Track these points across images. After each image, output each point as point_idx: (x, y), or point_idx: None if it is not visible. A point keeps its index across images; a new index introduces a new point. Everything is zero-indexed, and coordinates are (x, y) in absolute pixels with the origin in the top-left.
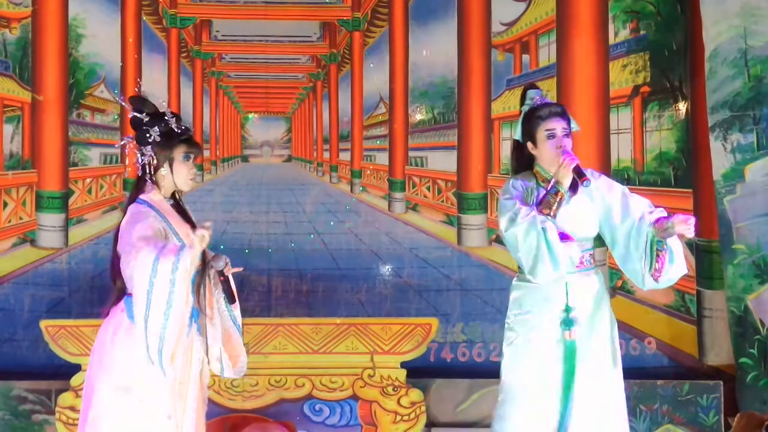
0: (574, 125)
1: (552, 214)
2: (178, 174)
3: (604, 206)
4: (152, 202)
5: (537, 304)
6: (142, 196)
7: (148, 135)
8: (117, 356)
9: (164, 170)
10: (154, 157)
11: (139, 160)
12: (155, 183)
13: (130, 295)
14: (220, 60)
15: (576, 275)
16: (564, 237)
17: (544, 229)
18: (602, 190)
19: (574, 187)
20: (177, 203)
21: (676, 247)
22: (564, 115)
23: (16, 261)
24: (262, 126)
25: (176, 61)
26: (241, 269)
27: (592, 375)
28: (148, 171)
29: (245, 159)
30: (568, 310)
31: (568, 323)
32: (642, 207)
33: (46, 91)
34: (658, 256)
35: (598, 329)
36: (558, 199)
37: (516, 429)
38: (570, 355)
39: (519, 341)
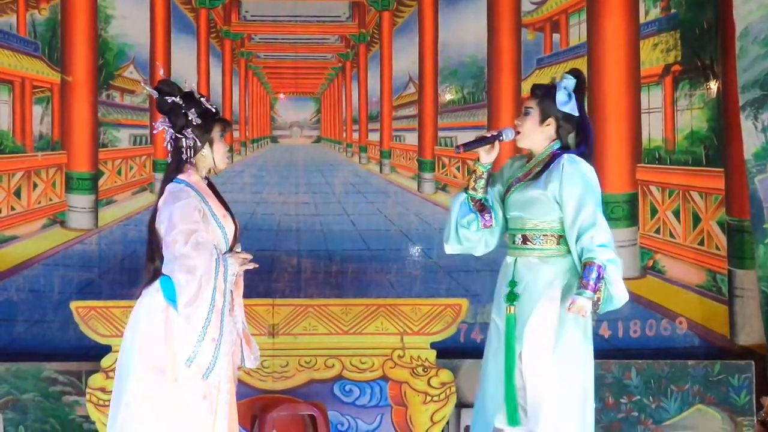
0: (564, 107)
1: (470, 188)
2: (217, 153)
3: (558, 200)
4: (192, 183)
5: (499, 282)
6: (180, 176)
7: (188, 118)
8: (152, 337)
9: (205, 151)
10: (196, 139)
11: (173, 143)
12: (193, 164)
13: (165, 276)
14: (250, 40)
15: (522, 252)
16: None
17: (453, 204)
18: (562, 186)
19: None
20: (210, 183)
21: (613, 285)
22: (536, 95)
23: (46, 242)
24: (291, 106)
25: (205, 41)
26: (257, 266)
27: (530, 356)
28: (188, 153)
29: (274, 140)
30: (512, 285)
31: (510, 298)
32: (584, 229)
33: (75, 72)
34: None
35: (541, 313)
36: (476, 175)
37: (478, 407)
38: (509, 330)
39: (492, 319)
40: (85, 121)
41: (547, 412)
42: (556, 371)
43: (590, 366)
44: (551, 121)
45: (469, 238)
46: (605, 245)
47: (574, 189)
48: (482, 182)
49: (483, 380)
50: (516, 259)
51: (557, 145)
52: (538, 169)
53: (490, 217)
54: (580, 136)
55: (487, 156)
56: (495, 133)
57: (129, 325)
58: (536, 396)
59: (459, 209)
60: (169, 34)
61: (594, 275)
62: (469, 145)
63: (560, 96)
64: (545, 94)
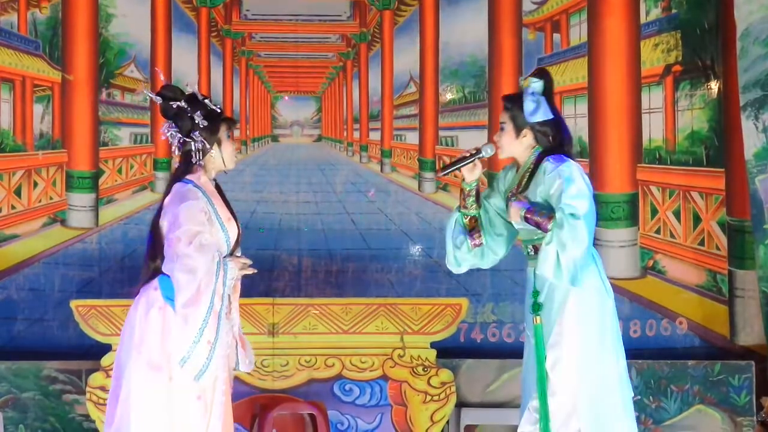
0: (533, 116)
1: (461, 206)
2: (226, 152)
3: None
4: (199, 184)
5: (526, 294)
6: (188, 176)
7: (195, 121)
8: (149, 335)
9: (213, 152)
10: (204, 141)
11: (180, 147)
12: (202, 166)
13: (164, 274)
14: (250, 39)
15: (537, 261)
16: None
17: (447, 225)
18: (546, 188)
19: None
20: (218, 186)
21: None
22: (507, 109)
23: (47, 241)
24: (292, 105)
25: (206, 40)
26: (256, 271)
27: (561, 361)
28: (197, 156)
29: (275, 139)
30: (535, 295)
31: (535, 308)
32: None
33: (76, 71)
34: None
35: (562, 320)
36: (464, 194)
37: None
38: (538, 340)
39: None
40: (86, 119)
41: (581, 412)
42: (586, 372)
43: (620, 360)
44: (526, 132)
45: (465, 258)
46: (575, 215)
47: (557, 188)
48: (471, 200)
49: (523, 393)
50: (534, 269)
51: (539, 150)
52: (526, 179)
53: (479, 236)
54: (557, 135)
55: (470, 174)
56: (473, 152)
57: (126, 321)
58: (566, 400)
59: (453, 230)
60: (169, 33)
61: (545, 213)
62: (448, 168)
63: (527, 106)
64: (514, 105)
